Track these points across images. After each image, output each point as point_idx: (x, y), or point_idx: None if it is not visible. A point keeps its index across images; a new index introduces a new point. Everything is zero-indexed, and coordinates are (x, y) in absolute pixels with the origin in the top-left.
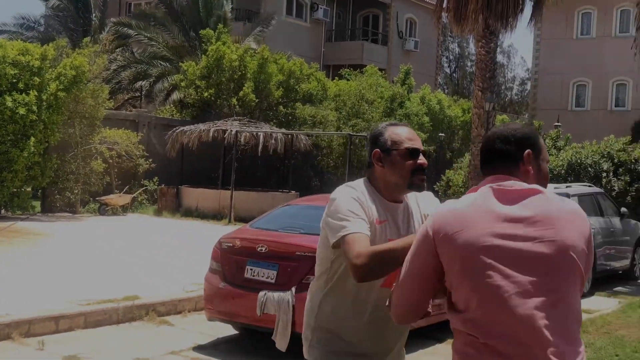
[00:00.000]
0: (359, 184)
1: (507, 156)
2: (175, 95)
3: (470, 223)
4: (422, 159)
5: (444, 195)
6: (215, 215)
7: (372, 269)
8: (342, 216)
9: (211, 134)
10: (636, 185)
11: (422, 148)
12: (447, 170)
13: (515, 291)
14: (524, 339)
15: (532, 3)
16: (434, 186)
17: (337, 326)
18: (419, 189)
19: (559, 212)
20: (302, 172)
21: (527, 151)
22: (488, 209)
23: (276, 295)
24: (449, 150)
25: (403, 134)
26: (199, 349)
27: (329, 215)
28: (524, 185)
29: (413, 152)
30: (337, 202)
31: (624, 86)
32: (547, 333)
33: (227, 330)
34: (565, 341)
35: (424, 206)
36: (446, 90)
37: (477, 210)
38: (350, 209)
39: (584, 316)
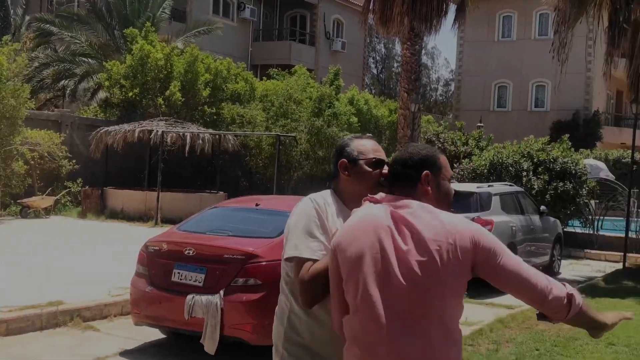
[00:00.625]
0: (327, 195)
1: (406, 178)
2: (102, 94)
3: (358, 237)
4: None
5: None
6: (142, 217)
7: (316, 294)
8: (299, 234)
9: (136, 135)
10: (554, 184)
11: (386, 159)
12: None
13: (381, 301)
14: (378, 348)
15: (456, 6)
16: None
17: (307, 338)
18: None
19: (437, 232)
20: (230, 172)
21: (424, 172)
22: (375, 224)
23: (204, 298)
24: None
25: (369, 145)
26: (126, 354)
27: (288, 228)
28: (411, 205)
29: (379, 163)
30: (296, 217)
31: (543, 87)
32: (401, 344)
33: (155, 334)
34: (421, 355)
35: None
36: (373, 91)
37: (366, 225)
38: (307, 228)
39: (506, 312)
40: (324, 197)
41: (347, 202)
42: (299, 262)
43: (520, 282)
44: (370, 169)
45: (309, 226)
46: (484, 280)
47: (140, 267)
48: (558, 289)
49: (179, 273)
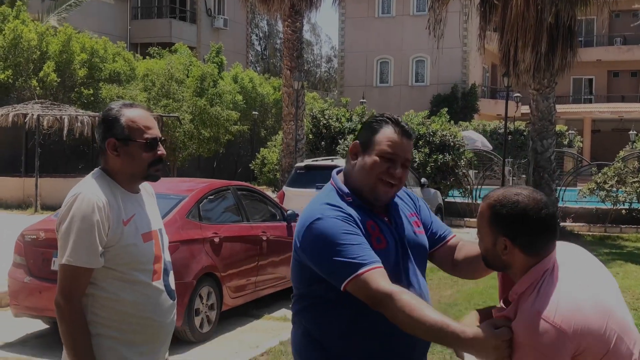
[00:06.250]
0: (93, 183)
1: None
2: None
3: None
4: (161, 150)
5: (259, 173)
6: (20, 205)
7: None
8: (81, 239)
9: (10, 119)
10: (434, 156)
11: (159, 135)
12: (261, 149)
13: None
14: None
15: None
16: (250, 165)
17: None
18: (156, 179)
19: None
20: None
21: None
22: None
23: None
24: (264, 128)
25: (141, 122)
26: (7, 347)
27: (65, 231)
28: None
29: (152, 143)
30: (76, 219)
31: (422, 62)
32: None
33: (37, 325)
34: None
35: (150, 190)
36: (258, 68)
37: None
38: (87, 231)
39: None
40: (94, 186)
41: (121, 182)
42: (76, 271)
43: None
44: (142, 152)
45: (89, 232)
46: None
47: (17, 257)
48: None
49: None
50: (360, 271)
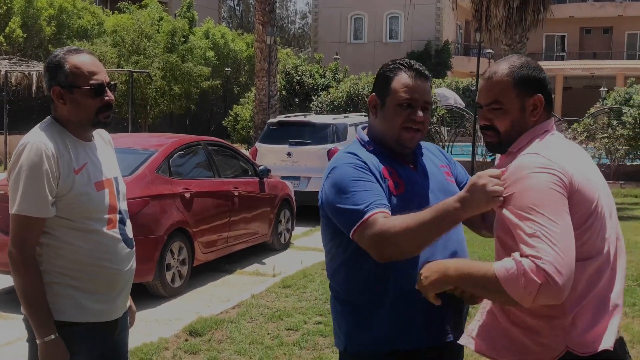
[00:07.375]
0: (42, 132)
1: None
2: None
3: None
4: (108, 95)
5: (232, 130)
6: None
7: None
8: (30, 188)
9: None
10: None
11: (107, 80)
12: (234, 106)
13: None
14: None
15: None
16: (223, 122)
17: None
18: (105, 126)
19: None
20: None
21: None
22: None
23: None
24: (237, 85)
25: (85, 67)
26: None
27: (14, 181)
28: None
29: (98, 90)
30: (24, 168)
31: (396, 18)
32: None
33: (6, 281)
34: None
35: (107, 138)
36: (230, 25)
37: None
38: (35, 180)
39: None
40: (43, 137)
41: (72, 130)
42: (25, 219)
43: None
44: (88, 99)
45: (38, 178)
46: None
47: None
48: None
49: None
50: (363, 219)
